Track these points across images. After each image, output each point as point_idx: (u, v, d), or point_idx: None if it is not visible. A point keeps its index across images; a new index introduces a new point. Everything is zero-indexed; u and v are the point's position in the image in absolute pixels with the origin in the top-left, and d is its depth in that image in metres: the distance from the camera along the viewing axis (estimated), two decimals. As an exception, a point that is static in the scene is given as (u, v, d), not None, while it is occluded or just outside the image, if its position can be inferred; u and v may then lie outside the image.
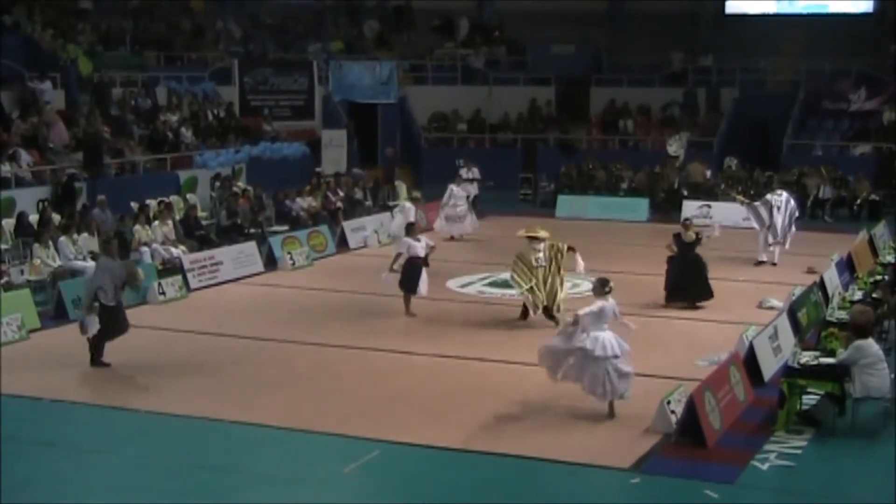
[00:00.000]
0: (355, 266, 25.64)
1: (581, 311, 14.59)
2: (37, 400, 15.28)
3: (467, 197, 28.76)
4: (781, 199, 25.52)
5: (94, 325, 16.81)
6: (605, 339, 14.37)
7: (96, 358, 16.97)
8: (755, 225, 25.65)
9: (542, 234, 20.15)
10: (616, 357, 14.33)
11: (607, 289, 14.64)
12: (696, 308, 20.93)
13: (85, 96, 31.59)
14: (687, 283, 21.08)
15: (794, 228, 25.81)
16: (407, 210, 26.46)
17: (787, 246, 25.51)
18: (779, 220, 25.30)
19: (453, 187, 29.05)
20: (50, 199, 26.18)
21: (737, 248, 27.50)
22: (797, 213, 26.28)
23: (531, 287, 19.57)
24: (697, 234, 21.45)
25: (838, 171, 34.65)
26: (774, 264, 25.36)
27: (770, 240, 25.44)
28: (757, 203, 25.73)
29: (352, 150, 36.91)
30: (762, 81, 42.00)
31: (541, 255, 19.71)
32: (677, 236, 21.42)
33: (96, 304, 16.81)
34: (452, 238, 28.27)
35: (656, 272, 24.33)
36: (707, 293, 21.07)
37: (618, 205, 33.78)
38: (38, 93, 30.01)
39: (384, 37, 44.92)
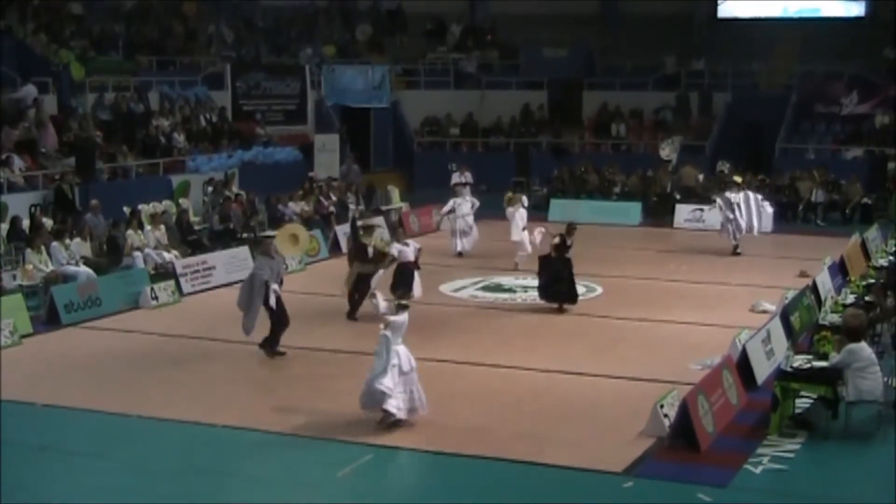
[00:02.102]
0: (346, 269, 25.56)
1: (391, 318, 14.43)
2: (29, 405, 15.25)
3: (472, 206, 27.50)
4: (739, 197, 27.04)
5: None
6: (405, 352, 14.29)
7: (273, 347, 17.66)
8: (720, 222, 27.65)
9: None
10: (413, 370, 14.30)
11: (405, 303, 14.65)
12: (564, 311, 21.07)
13: (78, 100, 31.55)
14: (561, 285, 21.20)
15: (763, 219, 27.33)
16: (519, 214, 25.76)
17: (755, 233, 27.18)
18: (742, 215, 26.92)
19: (457, 200, 27.64)
20: (47, 203, 26.15)
21: (729, 252, 27.57)
22: (767, 207, 27.72)
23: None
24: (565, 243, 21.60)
25: (831, 175, 34.71)
26: (739, 253, 27.04)
27: (737, 235, 27.06)
28: (720, 203, 27.38)
29: (344, 154, 36.91)
30: (755, 85, 42.01)
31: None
32: (562, 237, 21.57)
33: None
34: (461, 254, 26.91)
35: (649, 276, 24.47)
36: (573, 298, 21.30)
37: (610, 209, 33.80)
38: (13, 102, 29.84)
39: (377, 41, 44.94)
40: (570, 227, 21.76)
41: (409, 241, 21.24)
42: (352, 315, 20.37)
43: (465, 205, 27.27)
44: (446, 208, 27.82)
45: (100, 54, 35.23)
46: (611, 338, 19.21)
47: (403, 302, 14.68)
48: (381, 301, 14.78)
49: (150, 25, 38.96)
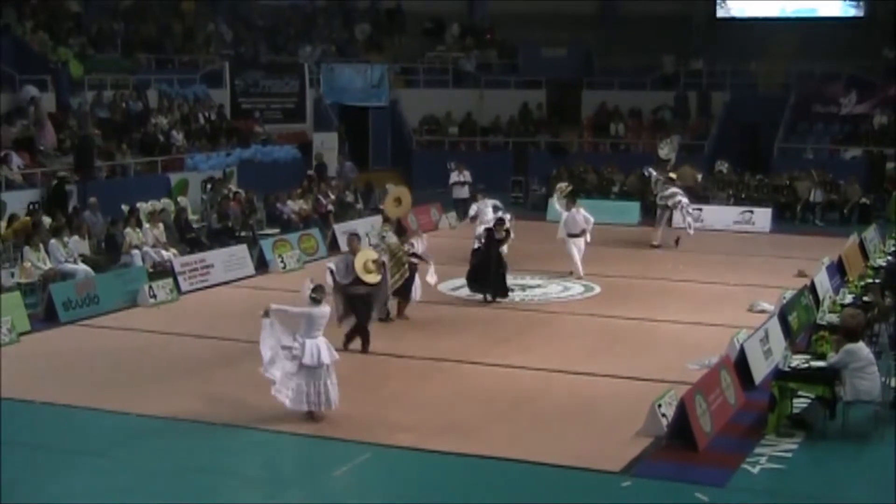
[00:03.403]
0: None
1: (287, 308, 14.67)
2: (28, 403, 15.24)
3: (494, 208, 26.30)
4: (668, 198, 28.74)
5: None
6: (314, 346, 14.28)
7: (366, 347, 17.88)
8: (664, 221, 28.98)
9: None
10: (329, 365, 14.30)
11: (315, 296, 14.66)
12: (494, 302, 21.55)
13: (76, 98, 31.56)
14: (487, 276, 21.63)
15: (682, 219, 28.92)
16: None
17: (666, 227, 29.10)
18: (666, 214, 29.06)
19: (478, 205, 26.63)
20: (41, 201, 26.14)
21: (727, 252, 27.62)
22: (681, 207, 28.81)
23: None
24: (507, 231, 22.06)
25: (829, 175, 34.72)
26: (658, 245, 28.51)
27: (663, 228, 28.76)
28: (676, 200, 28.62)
29: (343, 153, 36.92)
30: (753, 85, 42.07)
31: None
32: (489, 231, 21.95)
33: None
34: None
35: (647, 276, 24.48)
36: (502, 291, 21.71)
37: (609, 208, 33.69)
38: (13, 101, 29.88)
39: (375, 40, 44.94)
40: (499, 222, 22.20)
41: (415, 241, 21.14)
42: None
43: (487, 210, 26.18)
44: (471, 214, 27.02)
45: (98, 52, 35.23)
46: (609, 337, 19.22)
47: (315, 296, 14.65)
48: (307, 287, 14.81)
49: (148, 24, 38.92)
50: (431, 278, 20.45)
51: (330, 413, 14.45)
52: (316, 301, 14.58)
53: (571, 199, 24.96)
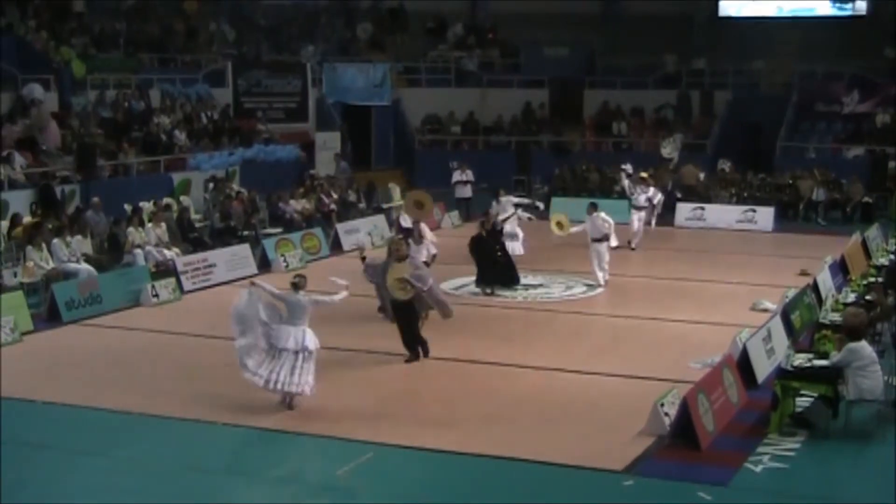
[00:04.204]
0: (349, 268, 25.42)
1: (268, 286, 15.08)
2: (30, 402, 15.25)
3: (515, 206, 26.06)
4: (650, 192, 29.40)
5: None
6: (286, 332, 14.55)
7: (417, 350, 17.57)
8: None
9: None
10: (298, 352, 14.51)
11: (295, 281, 14.94)
12: (496, 294, 22.06)
13: (79, 98, 31.58)
14: (490, 269, 22.17)
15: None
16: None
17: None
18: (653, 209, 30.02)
19: (500, 200, 26.43)
20: (36, 202, 26.19)
21: (730, 251, 27.62)
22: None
23: None
24: (494, 224, 22.55)
25: (832, 174, 34.72)
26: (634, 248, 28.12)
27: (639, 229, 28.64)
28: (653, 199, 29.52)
29: (346, 152, 36.95)
30: (755, 84, 42.11)
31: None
32: (482, 224, 22.49)
33: None
34: None
35: (650, 275, 24.45)
36: (508, 281, 22.15)
37: (611, 207, 33.65)
38: (18, 99, 29.96)
39: (378, 39, 44.96)
40: (483, 215, 22.91)
41: (429, 241, 21.13)
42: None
43: (509, 208, 25.85)
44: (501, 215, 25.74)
45: (101, 52, 35.25)
46: (611, 336, 19.21)
47: (294, 280, 14.93)
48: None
49: (151, 23, 38.99)
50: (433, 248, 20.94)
51: (328, 412, 14.46)
52: (294, 286, 14.82)
53: (592, 206, 24.09)
